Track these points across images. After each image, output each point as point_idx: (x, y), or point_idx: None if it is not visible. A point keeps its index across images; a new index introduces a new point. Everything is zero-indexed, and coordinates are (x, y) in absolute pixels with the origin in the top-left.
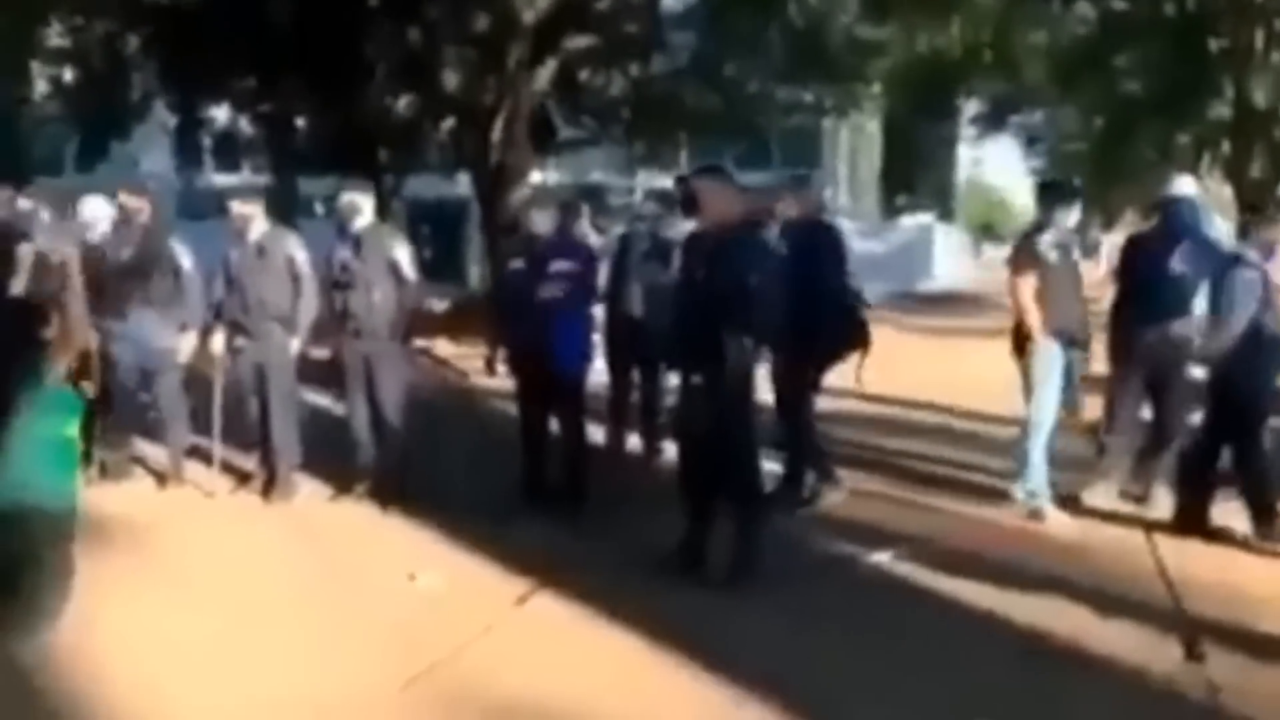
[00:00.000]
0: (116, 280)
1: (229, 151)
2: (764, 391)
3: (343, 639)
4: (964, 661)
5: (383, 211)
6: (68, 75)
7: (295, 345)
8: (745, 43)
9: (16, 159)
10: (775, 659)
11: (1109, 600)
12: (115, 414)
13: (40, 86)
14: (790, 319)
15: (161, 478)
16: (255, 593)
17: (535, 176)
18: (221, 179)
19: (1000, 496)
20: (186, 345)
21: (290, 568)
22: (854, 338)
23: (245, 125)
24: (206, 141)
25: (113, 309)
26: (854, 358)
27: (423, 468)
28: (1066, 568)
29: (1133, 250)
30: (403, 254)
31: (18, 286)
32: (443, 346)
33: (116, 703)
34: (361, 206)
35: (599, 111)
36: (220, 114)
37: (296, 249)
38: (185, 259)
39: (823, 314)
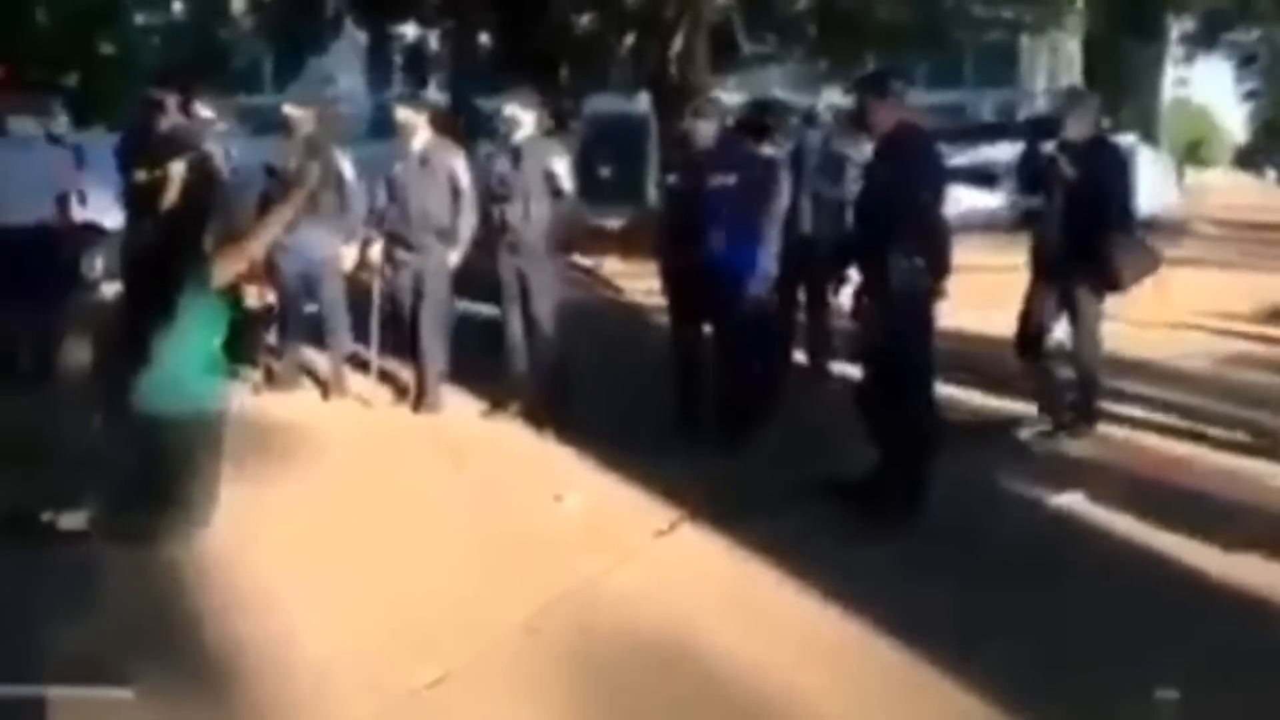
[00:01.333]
0: (283, 189)
1: (417, 70)
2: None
3: (482, 558)
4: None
5: (560, 127)
6: None
7: (454, 259)
8: None
9: (217, 74)
10: (935, 613)
11: None
12: (282, 322)
13: (238, 2)
14: (1075, 245)
15: (325, 387)
16: (400, 507)
17: (717, 93)
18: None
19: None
20: (349, 255)
21: (437, 482)
22: (1146, 262)
23: (433, 43)
24: (396, 59)
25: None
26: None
27: (579, 387)
28: None
29: None
30: (561, 166)
31: (170, 197)
32: (612, 264)
33: (258, 611)
34: (522, 119)
35: (784, 27)
36: (409, 31)
37: (459, 161)
38: (348, 169)
39: (1110, 239)
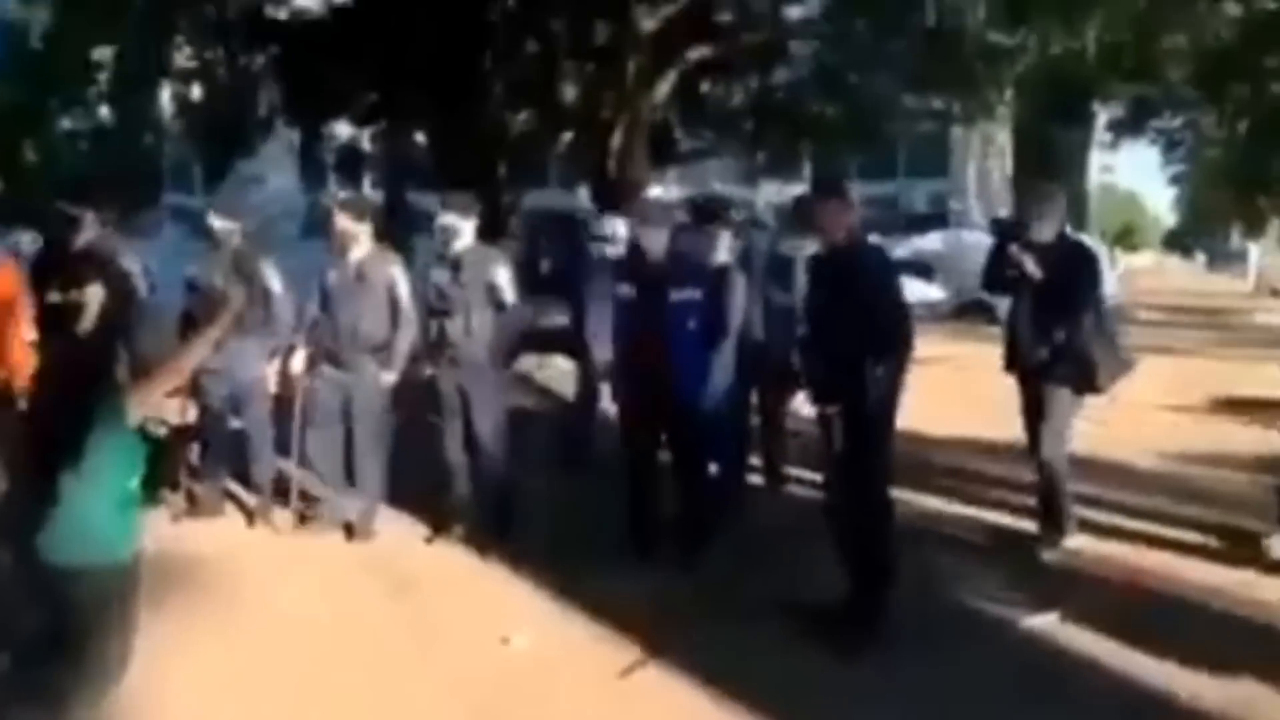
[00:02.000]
0: (207, 308)
1: (352, 168)
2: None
3: (422, 710)
4: None
5: (499, 226)
6: (195, 93)
7: (389, 379)
8: (870, 50)
9: (147, 177)
10: None
11: None
12: (205, 444)
13: (168, 106)
14: (1050, 345)
15: (251, 513)
16: (333, 647)
17: (654, 189)
18: (346, 195)
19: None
20: (274, 373)
21: (373, 619)
22: (1121, 363)
23: (367, 142)
24: (329, 158)
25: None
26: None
27: (526, 504)
28: None
29: None
30: (504, 277)
31: (86, 322)
32: (560, 363)
33: None
34: (460, 228)
35: (720, 122)
36: (342, 130)
37: (398, 272)
38: (276, 282)
39: (1087, 339)
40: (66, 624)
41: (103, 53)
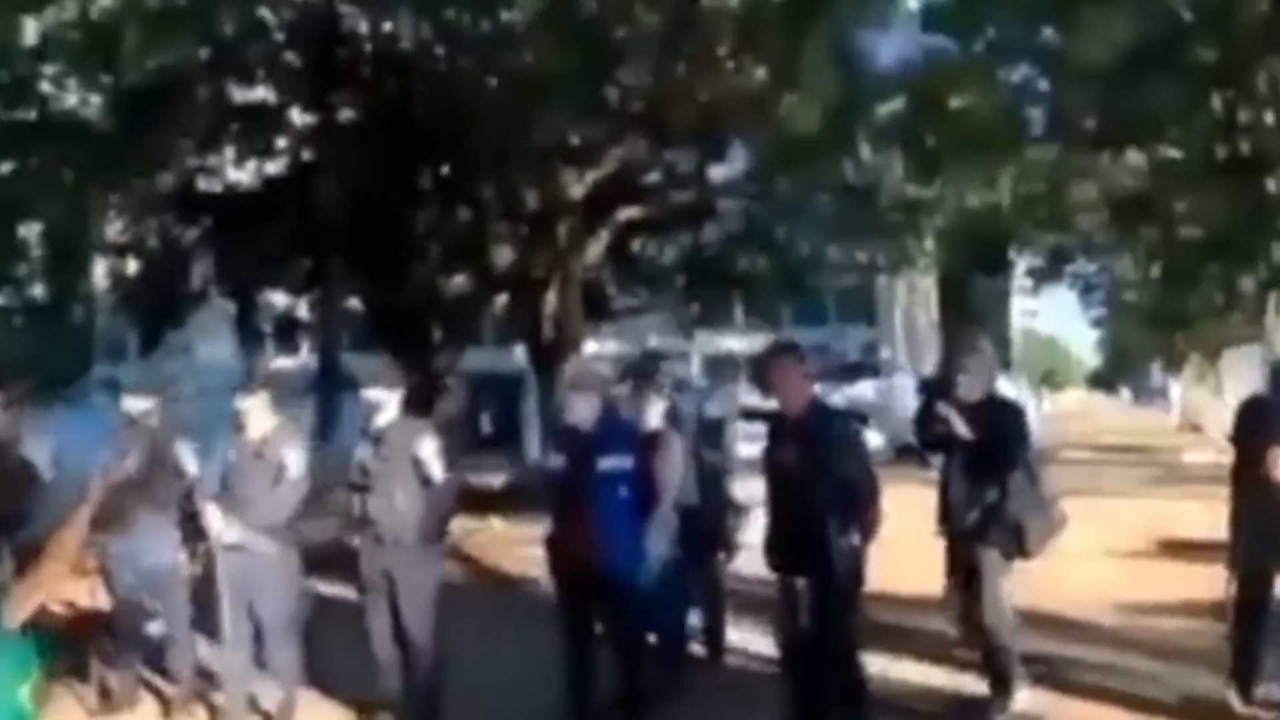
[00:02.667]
0: (120, 492)
1: (289, 335)
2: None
3: None
4: None
5: (434, 388)
6: (131, 267)
7: (285, 553)
8: (795, 206)
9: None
10: None
11: None
12: (116, 634)
13: (102, 280)
14: (980, 506)
15: (168, 704)
16: None
17: (591, 346)
18: (283, 361)
19: None
20: (188, 559)
21: None
22: (1052, 523)
23: (304, 308)
24: (266, 325)
25: (116, 524)
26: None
27: (460, 689)
28: None
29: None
30: (429, 451)
31: None
32: (497, 525)
33: None
34: (383, 403)
35: (653, 279)
36: (277, 298)
37: (293, 450)
38: (191, 464)
39: (1016, 501)
40: None
41: (31, 229)
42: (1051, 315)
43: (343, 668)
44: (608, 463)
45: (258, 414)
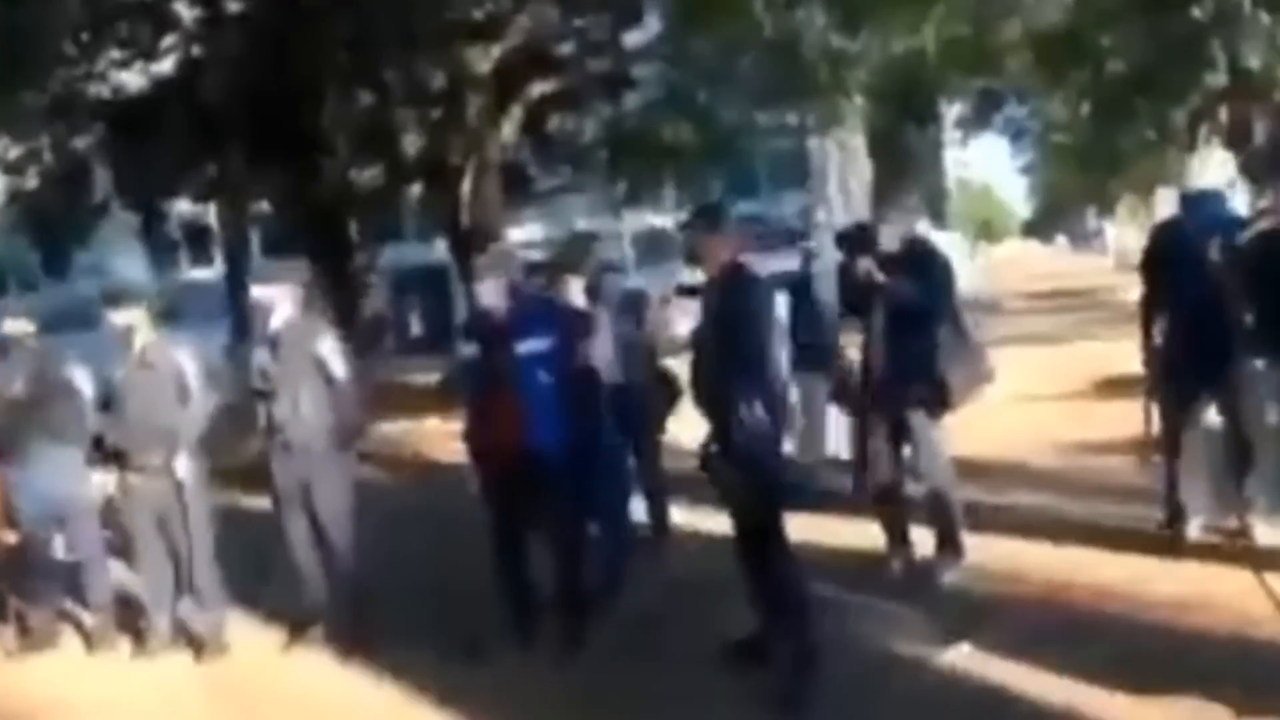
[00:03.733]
0: (11, 419)
1: (202, 244)
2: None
3: None
4: None
5: (355, 287)
6: (31, 183)
7: (187, 467)
8: (717, 69)
9: None
10: None
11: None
12: (27, 570)
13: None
14: (903, 365)
15: (89, 637)
16: None
17: (516, 232)
18: (198, 274)
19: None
20: (97, 485)
21: None
22: (978, 373)
23: (213, 216)
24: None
25: (11, 452)
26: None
27: (389, 596)
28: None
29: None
30: (329, 349)
31: None
32: (430, 423)
33: None
34: (274, 301)
35: (573, 156)
36: (184, 208)
37: (186, 358)
38: (86, 384)
39: (938, 353)
40: None
41: None
42: (984, 166)
43: (269, 584)
44: (526, 345)
45: (142, 327)
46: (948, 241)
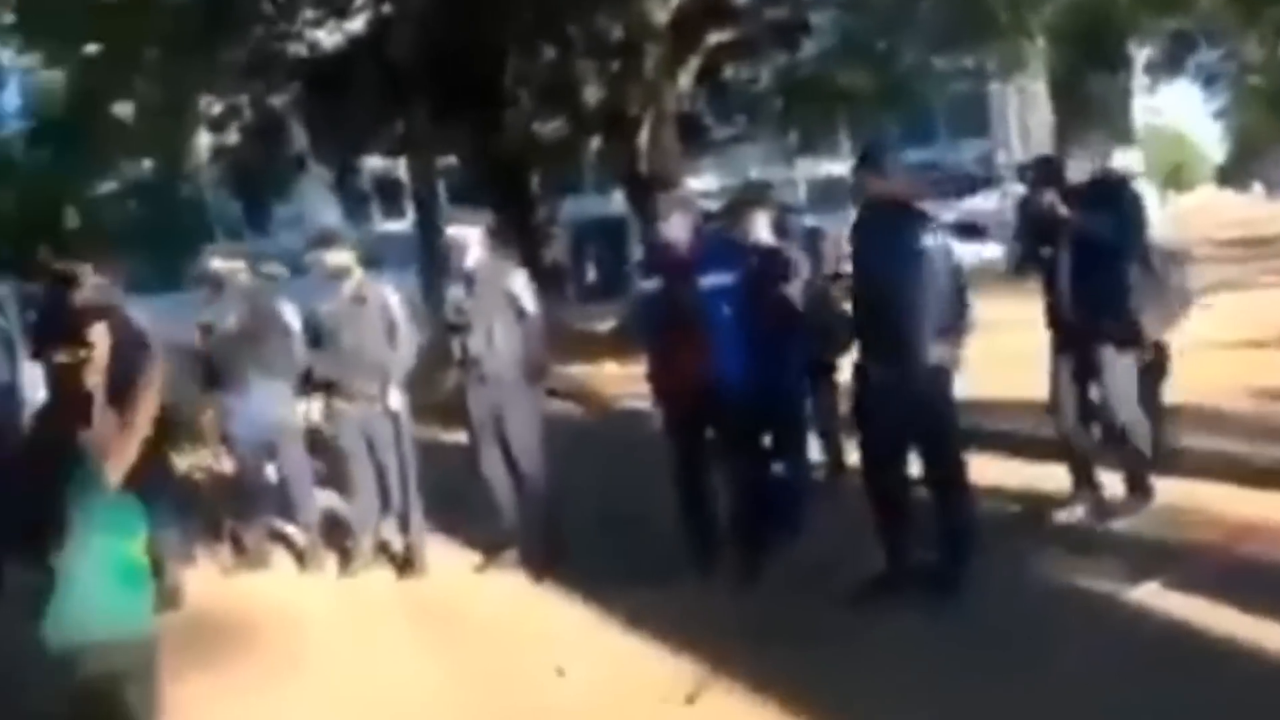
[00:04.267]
0: (223, 352)
1: (393, 197)
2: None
3: None
4: None
5: (537, 238)
6: (232, 138)
7: (398, 398)
8: (894, 14)
9: (192, 227)
10: None
11: None
12: (243, 493)
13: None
14: (1091, 299)
15: (300, 556)
16: (382, 698)
17: (692, 182)
18: (390, 225)
19: None
20: (304, 412)
21: (425, 662)
22: (1173, 306)
23: (401, 170)
24: (370, 190)
25: (226, 383)
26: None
27: (577, 525)
28: None
29: None
30: (521, 285)
31: (94, 376)
32: (609, 368)
33: None
34: (468, 240)
35: (749, 105)
36: (375, 162)
37: (393, 296)
38: (295, 320)
39: (1129, 288)
40: (77, 708)
41: (125, 109)
42: (1176, 112)
43: (467, 511)
44: (710, 280)
45: (352, 267)
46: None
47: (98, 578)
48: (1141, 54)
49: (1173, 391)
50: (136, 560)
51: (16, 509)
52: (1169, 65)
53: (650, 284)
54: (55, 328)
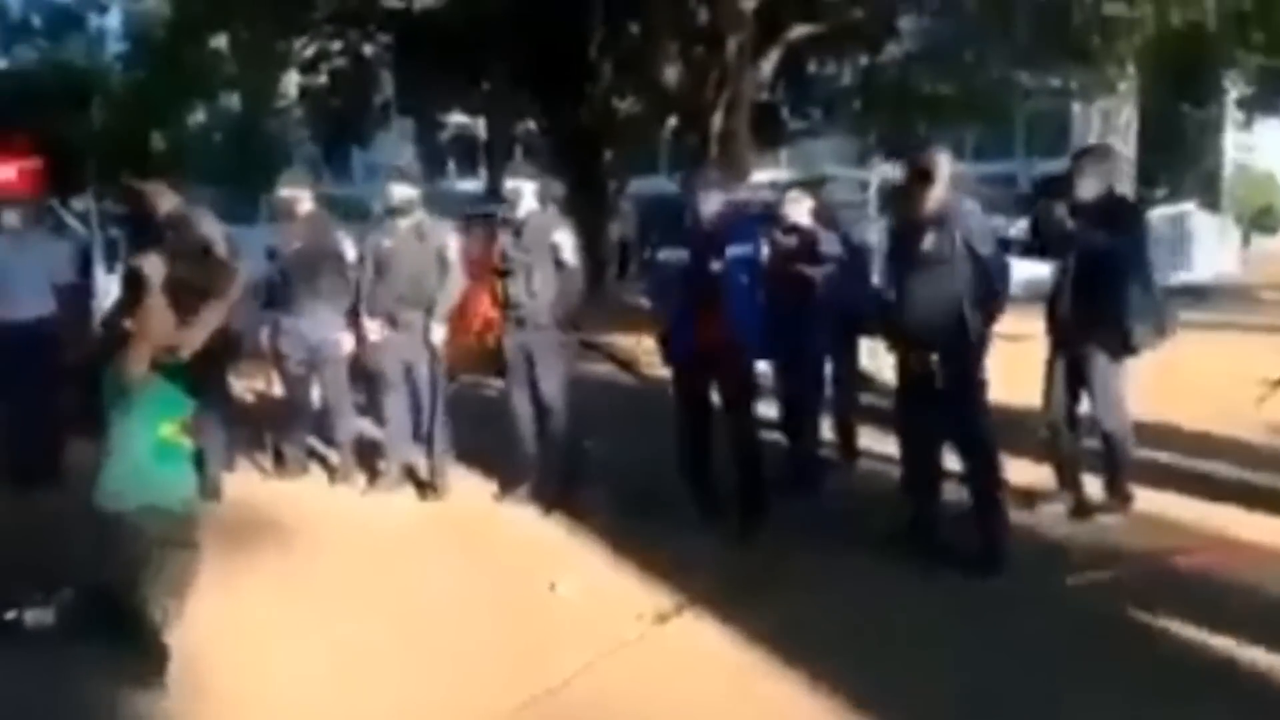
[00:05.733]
0: (282, 275)
1: (468, 154)
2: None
3: (469, 652)
4: None
5: (606, 209)
6: (320, 81)
7: (441, 332)
8: (982, 25)
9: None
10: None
11: None
12: (288, 411)
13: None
14: (1088, 309)
15: (332, 471)
16: (392, 599)
17: (761, 173)
18: (464, 184)
19: None
20: (350, 337)
21: (434, 572)
22: (1160, 324)
23: (482, 129)
24: (447, 147)
25: (281, 302)
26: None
27: (592, 468)
28: None
29: None
30: (565, 238)
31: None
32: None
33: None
34: (523, 192)
35: (827, 101)
36: (456, 120)
37: (451, 237)
38: (350, 250)
39: (1123, 301)
40: (120, 567)
41: (221, 41)
42: (1271, 151)
43: (488, 443)
44: (734, 250)
45: (417, 204)
46: (1216, 226)
47: (134, 454)
48: (1235, 89)
49: (1207, 420)
50: (172, 441)
51: (86, 395)
52: (1263, 101)
53: (673, 253)
54: (138, 238)
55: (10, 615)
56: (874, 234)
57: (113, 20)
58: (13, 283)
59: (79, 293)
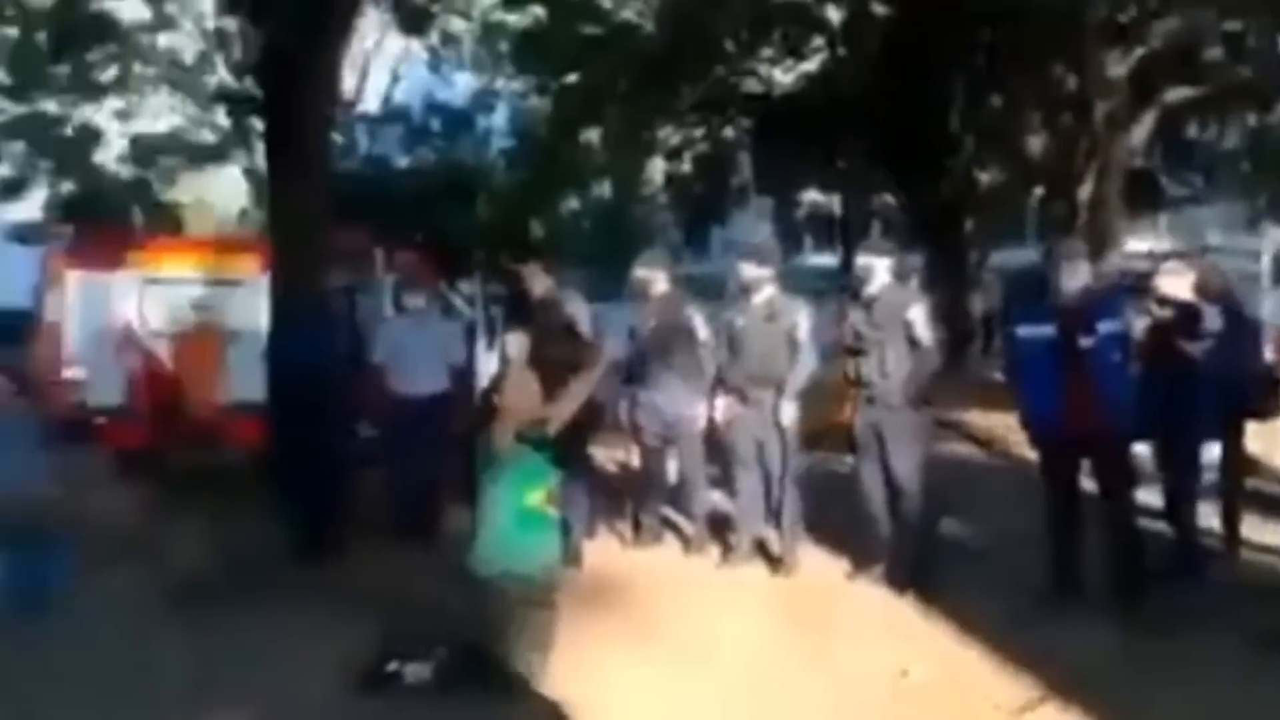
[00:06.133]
0: (640, 352)
1: (825, 229)
2: None
3: None
4: None
5: (966, 281)
6: (684, 167)
7: (791, 411)
8: None
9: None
10: None
11: None
12: (645, 479)
13: (657, 181)
14: None
15: (687, 542)
16: (740, 672)
17: (1136, 243)
18: (819, 259)
19: None
20: (704, 413)
21: (784, 649)
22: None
23: (836, 206)
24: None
25: (639, 378)
26: None
27: (946, 550)
28: None
29: None
30: (919, 315)
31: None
32: (1011, 421)
33: None
34: (874, 268)
35: (1209, 165)
36: (812, 197)
37: (803, 316)
38: (702, 329)
39: None
40: (488, 629)
41: (593, 134)
42: None
43: (839, 522)
44: (1104, 326)
45: (768, 283)
46: None
47: (501, 521)
48: None
49: None
50: (538, 509)
51: (465, 464)
52: None
53: (1034, 329)
54: (514, 316)
55: (392, 667)
56: (1267, 306)
57: (499, 118)
58: (413, 359)
59: (463, 371)
